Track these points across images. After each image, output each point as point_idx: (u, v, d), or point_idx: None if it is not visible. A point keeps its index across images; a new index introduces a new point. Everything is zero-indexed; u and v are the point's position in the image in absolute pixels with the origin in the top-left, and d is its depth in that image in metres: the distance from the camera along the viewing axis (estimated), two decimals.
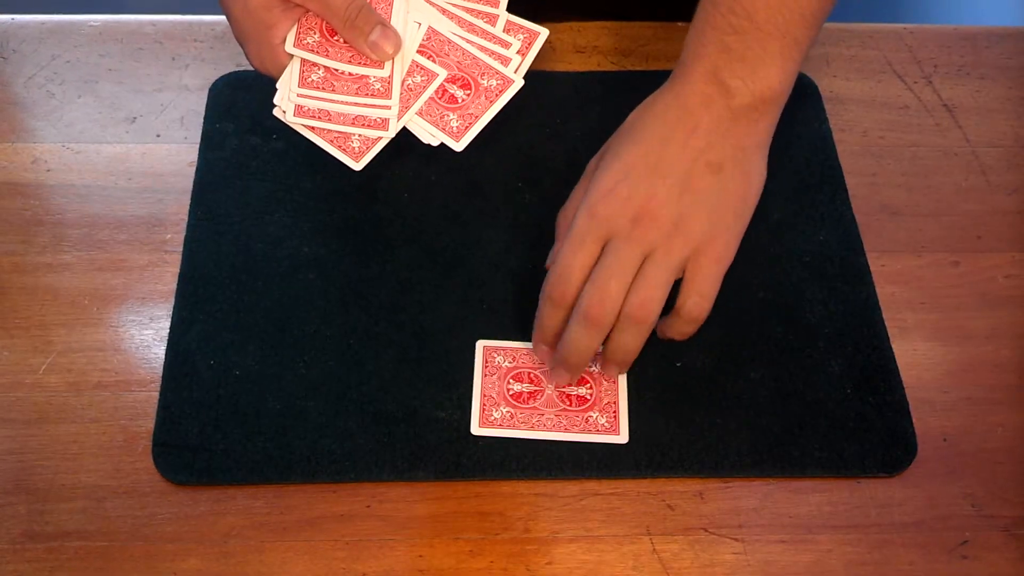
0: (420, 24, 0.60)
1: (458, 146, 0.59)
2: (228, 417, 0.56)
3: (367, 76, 0.58)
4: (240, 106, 0.68)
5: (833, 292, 0.61)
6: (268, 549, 0.53)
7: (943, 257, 0.64)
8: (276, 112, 0.59)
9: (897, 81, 0.72)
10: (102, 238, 0.63)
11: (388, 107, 0.58)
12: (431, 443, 0.55)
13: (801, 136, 0.68)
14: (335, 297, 0.60)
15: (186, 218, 0.64)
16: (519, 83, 0.60)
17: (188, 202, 0.64)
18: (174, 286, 0.61)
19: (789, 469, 0.55)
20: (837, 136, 0.69)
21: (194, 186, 0.65)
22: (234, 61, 0.71)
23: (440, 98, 0.59)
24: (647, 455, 0.55)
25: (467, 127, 0.59)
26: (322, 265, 0.62)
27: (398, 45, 0.58)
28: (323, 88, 0.57)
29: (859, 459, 0.56)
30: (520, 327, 0.59)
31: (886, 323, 0.61)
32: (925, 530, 0.54)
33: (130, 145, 0.68)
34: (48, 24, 0.73)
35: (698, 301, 0.55)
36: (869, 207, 0.66)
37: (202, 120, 0.68)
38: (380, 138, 0.58)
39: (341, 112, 0.58)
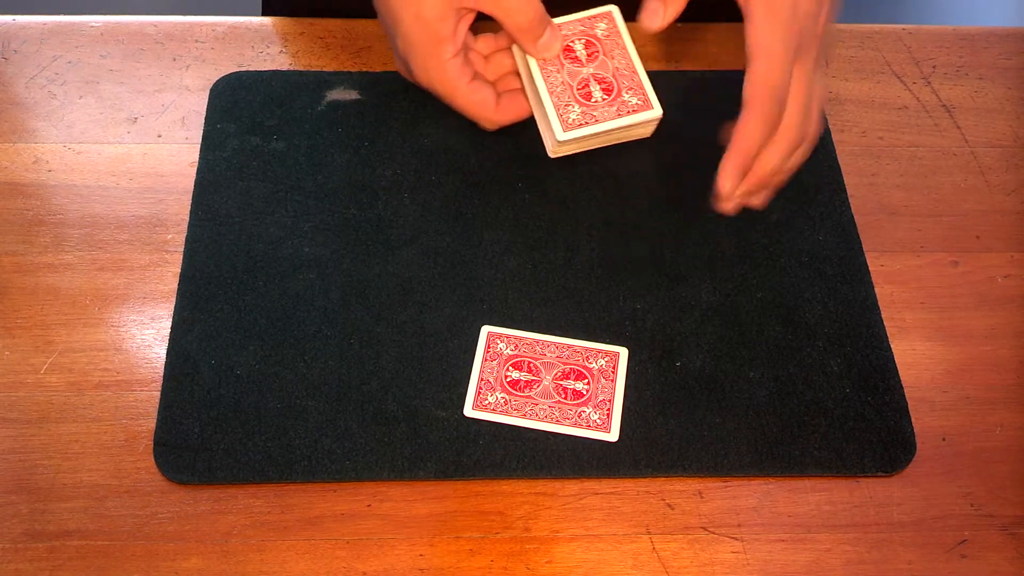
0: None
1: (560, 135, 0.60)
2: (229, 416, 0.56)
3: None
4: (241, 106, 0.69)
5: (832, 292, 0.62)
6: (269, 548, 0.53)
7: (942, 257, 0.64)
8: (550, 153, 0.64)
9: (896, 81, 0.73)
10: (103, 238, 0.63)
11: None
12: (431, 442, 0.56)
13: None
14: (336, 297, 0.61)
15: (187, 218, 0.64)
16: (658, 112, 0.61)
17: (189, 202, 0.65)
18: (175, 286, 0.61)
19: (788, 468, 0.56)
20: (836, 136, 0.69)
21: (195, 186, 0.65)
22: (235, 62, 0.72)
23: (579, 88, 0.61)
24: (646, 454, 0.56)
25: (580, 124, 0.60)
26: (323, 265, 0.62)
27: (557, 41, 0.61)
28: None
29: (858, 458, 0.56)
30: (520, 326, 0.59)
31: (885, 323, 0.61)
32: (924, 529, 0.55)
33: (131, 145, 0.68)
34: (49, 25, 0.73)
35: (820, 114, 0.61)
36: (868, 207, 0.66)
37: (203, 120, 0.68)
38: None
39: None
